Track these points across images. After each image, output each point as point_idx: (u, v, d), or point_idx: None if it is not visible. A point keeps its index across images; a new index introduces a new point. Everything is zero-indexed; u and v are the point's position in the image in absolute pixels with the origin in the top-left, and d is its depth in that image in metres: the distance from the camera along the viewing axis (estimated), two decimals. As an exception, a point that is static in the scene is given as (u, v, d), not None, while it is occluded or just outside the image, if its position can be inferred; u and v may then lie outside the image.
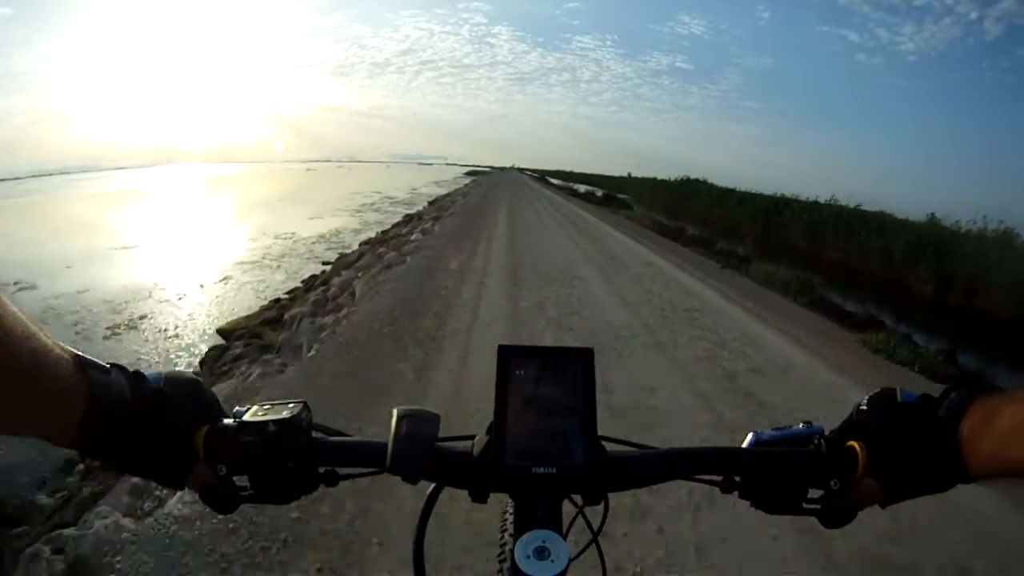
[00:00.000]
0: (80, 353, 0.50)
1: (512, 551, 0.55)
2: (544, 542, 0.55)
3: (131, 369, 0.55)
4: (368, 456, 0.60)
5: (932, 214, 16.37)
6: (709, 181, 35.20)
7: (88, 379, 0.49)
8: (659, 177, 54.70)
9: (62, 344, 0.49)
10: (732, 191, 30.40)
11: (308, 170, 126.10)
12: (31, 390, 0.45)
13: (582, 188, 47.15)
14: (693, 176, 36.82)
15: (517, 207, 21.81)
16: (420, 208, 23.89)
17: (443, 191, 36.36)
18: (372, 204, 29.63)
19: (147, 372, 0.56)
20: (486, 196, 28.74)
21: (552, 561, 0.53)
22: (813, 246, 18.26)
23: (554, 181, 74.56)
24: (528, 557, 0.54)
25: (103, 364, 0.52)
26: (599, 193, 40.43)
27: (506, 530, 0.67)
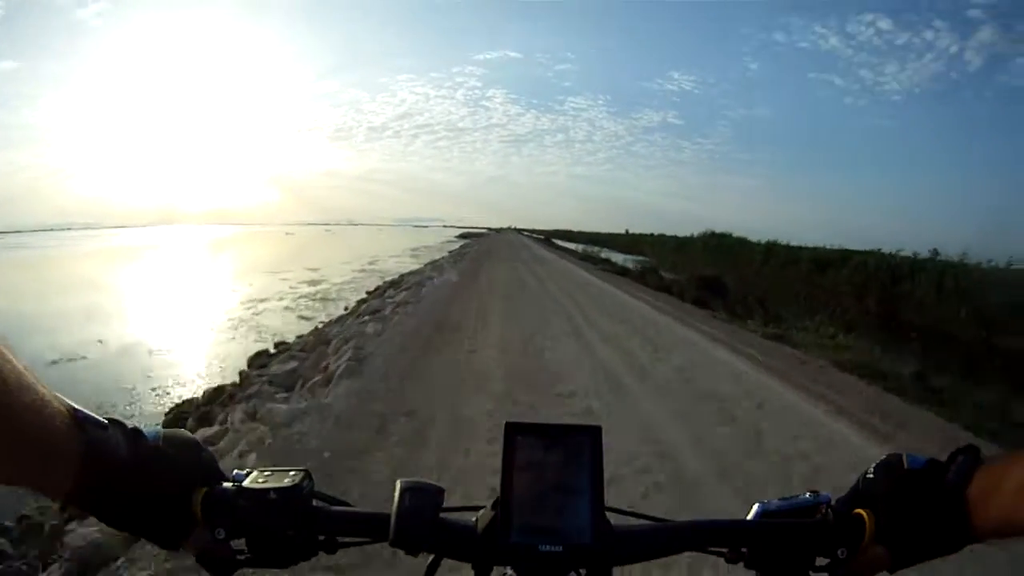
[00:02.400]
0: (78, 407, 0.50)
1: None
2: None
3: (130, 425, 0.54)
4: (371, 527, 0.60)
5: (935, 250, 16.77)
6: (733, 235, 32.35)
7: (85, 433, 0.49)
8: (657, 232, 54.44)
9: (60, 396, 0.48)
10: (797, 248, 24.89)
11: (287, 234, 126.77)
12: (26, 442, 0.45)
13: (599, 252, 38.80)
14: (718, 231, 33.86)
15: (518, 297, 13.12)
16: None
17: (414, 265, 27.04)
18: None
19: (145, 429, 0.55)
20: (469, 275, 19.34)
21: None
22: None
23: (566, 245, 58.91)
24: None
25: (100, 419, 0.51)
26: (618, 260, 31.88)
27: None
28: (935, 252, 17.10)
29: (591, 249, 39.69)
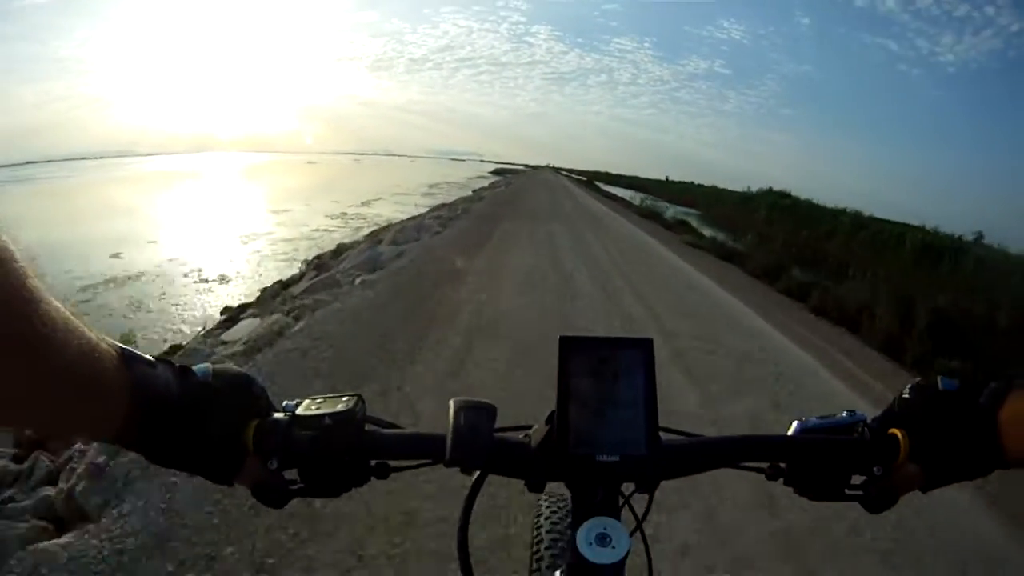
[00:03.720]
0: (125, 347, 0.50)
1: (573, 539, 0.56)
2: (605, 529, 0.56)
3: (177, 364, 0.55)
4: (426, 448, 0.60)
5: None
6: (796, 196, 30.22)
7: (133, 373, 0.49)
8: (697, 182, 53.29)
9: (106, 338, 0.48)
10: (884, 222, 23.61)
11: (309, 163, 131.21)
12: (75, 386, 0.44)
13: (655, 205, 29.79)
14: (777, 188, 32.25)
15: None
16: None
17: (402, 213, 20.54)
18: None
19: (195, 367, 0.56)
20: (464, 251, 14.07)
21: (613, 547, 0.54)
22: None
23: (614, 191, 45.18)
24: (591, 544, 0.55)
25: (148, 358, 0.51)
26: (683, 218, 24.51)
27: (541, 527, 0.72)
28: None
29: (646, 201, 31.28)
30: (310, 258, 11.44)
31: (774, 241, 16.16)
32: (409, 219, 15.63)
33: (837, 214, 25.13)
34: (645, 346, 0.62)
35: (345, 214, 22.92)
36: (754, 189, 34.75)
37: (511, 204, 20.65)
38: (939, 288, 9.63)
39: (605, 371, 0.61)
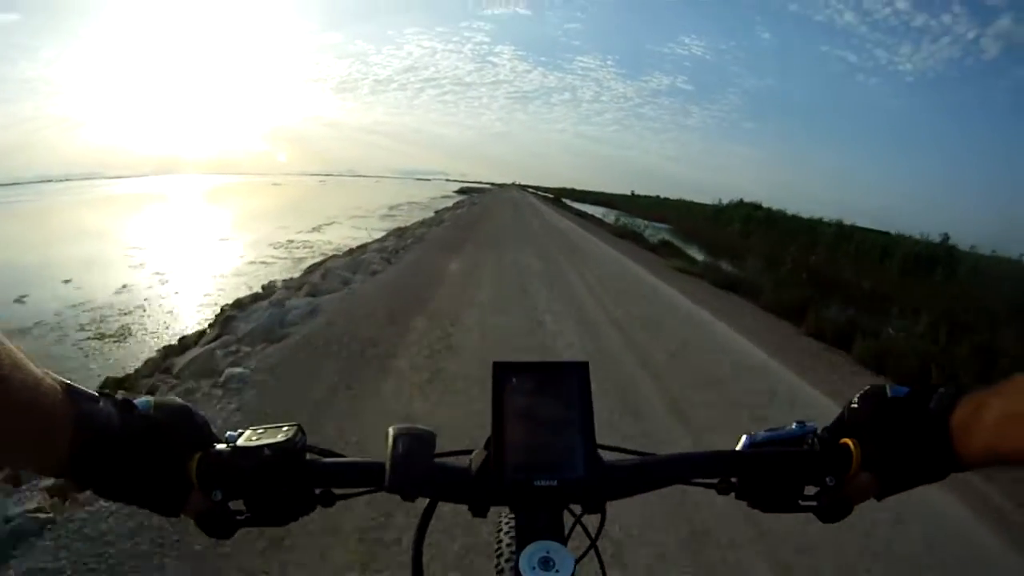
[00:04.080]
0: (69, 382, 0.50)
1: (516, 563, 0.56)
2: (548, 552, 0.55)
3: (120, 397, 0.55)
4: (366, 476, 0.60)
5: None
6: (765, 207, 29.24)
7: (77, 408, 0.49)
8: (663, 195, 52.26)
9: (51, 373, 0.49)
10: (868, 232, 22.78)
11: (274, 184, 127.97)
12: (20, 421, 0.45)
13: (626, 222, 28.08)
14: (748, 200, 31.17)
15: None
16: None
17: (355, 240, 17.95)
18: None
19: (136, 400, 0.56)
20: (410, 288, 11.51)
21: (557, 571, 0.54)
22: None
23: (582, 208, 46.17)
24: (533, 568, 0.54)
25: (92, 392, 0.52)
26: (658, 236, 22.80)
27: (502, 541, 0.69)
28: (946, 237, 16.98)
29: (621, 219, 29.40)
30: (222, 308, 9.18)
31: (781, 265, 14.41)
32: (354, 248, 13.46)
33: (815, 224, 24.25)
34: (581, 369, 0.62)
35: (291, 241, 20.54)
36: (724, 201, 33.85)
37: (473, 227, 18.54)
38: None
39: (541, 395, 0.61)
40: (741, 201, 32.07)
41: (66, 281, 13.06)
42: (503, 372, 0.62)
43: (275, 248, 18.90)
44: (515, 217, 24.88)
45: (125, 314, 10.15)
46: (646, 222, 29.33)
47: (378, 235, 18.38)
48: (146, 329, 9.43)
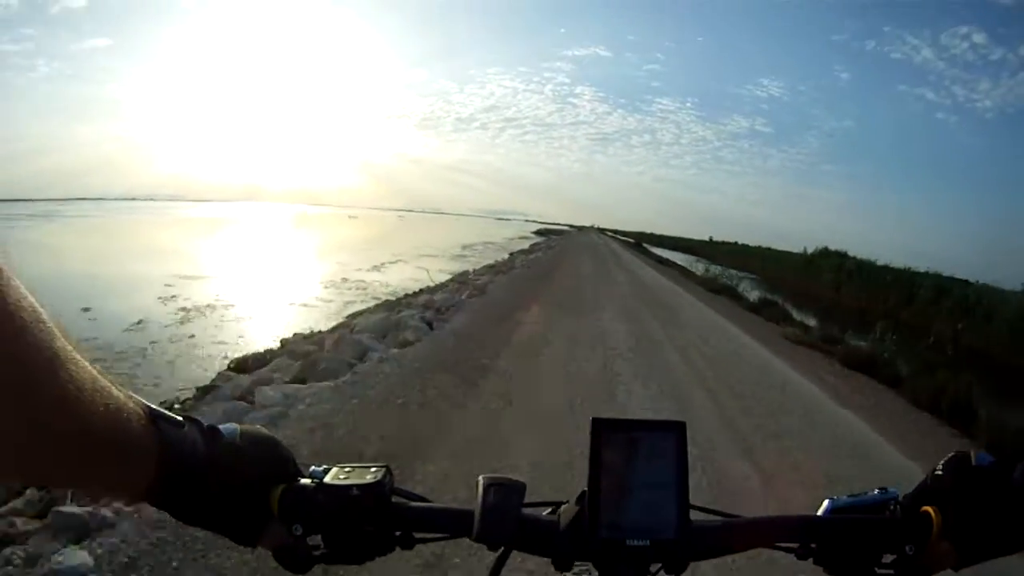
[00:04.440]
0: (153, 406, 0.50)
1: None
2: None
3: (206, 424, 0.54)
4: (454, 523, 0.60)
5: None
6: (849, 254, 28.20)
7: (161, 433, 0.49)
8: (741, 242, 51.46)
9: (134, 396, 0.48)
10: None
11: (350, 217, 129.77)
12: (102, 446, 0.44)
13: (720, 274, 24.13)
14: (832, 248, 29.65)
15: None
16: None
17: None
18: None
19: (222, 427, 0.55)
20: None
21: None
22: None
23: (664, 254, 43.15)
24: None
25: (177, 417, 0.51)
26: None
27: None
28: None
29: (709, 269, 26.66)
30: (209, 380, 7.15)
31: (919, 337, 11.64)
32: (400, 299, 11.41)
33: (909, 275, 22.90)
34: (678, 429, 0.62)
35: (346, 280, 18.84)
36: (805, 249, 32.14)
37: (547, 277, 16.15)
38: None
39: (637, 453, 0.61)
40: (826, 249, 30.48)
41: (85, 309, 11.56)
42: (601, 428, 0.60)
43: (326, 287, 17.19)
44: (595, 265, 22.34)
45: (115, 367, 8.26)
46: (732, 270, 27.41)
47: (442, 278, 16.55)
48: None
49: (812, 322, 14.52)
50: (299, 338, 7.91)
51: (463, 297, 10.41)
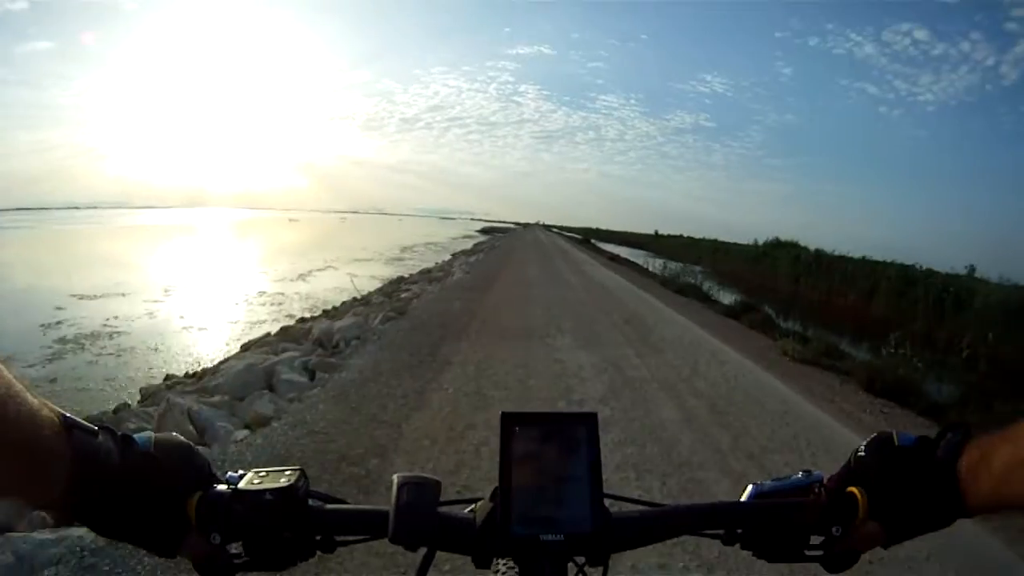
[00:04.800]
0: (67, 414, 0.49)
1: None
2: None
3: (120, 432, 0.53)
4: (369, 525, 0.59)
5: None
6: (800, 244, 27.66)
7: (74, 441, 0.48)
8: (688, 235, 51.73)
9: (49, 404, 0.47)
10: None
11: (291, 220, 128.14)
12: (14, 453, 0.44)
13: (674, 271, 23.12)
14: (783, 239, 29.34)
15: None
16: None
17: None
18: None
19: (136, 435, 0.54)
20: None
21: None
22: None
23: (614, 250, 41.65)
24: None
25: (90, 426, 0.50)
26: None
27: None
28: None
29: (668, 266, 24.78)
30: None
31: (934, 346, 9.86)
32: (307, 320, 9.03)
33: (870, 265, 21.37)
34: (590, 421, 0.61)
35: (263, 293, 16.35)
36: (756, 240, 31.84)
37: (487, 287, 13.75)
38: None
39: (549, 447, 0.60)
40: (778, 240, 29.84)
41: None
42: (511, 422, 0.60)
43: (238, 304, 14.73)
44: (543, 266, 20.08)
45: None
46: (680, 264, 26.98)
47: (373, 285, 14.88)
48: None
49: (787, 323, 12.76)
50: (130, 408, 5.47)
51: (375, 322, 8.00)
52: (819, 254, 24.59)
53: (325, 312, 10.97)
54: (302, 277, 20.52)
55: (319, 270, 23.63)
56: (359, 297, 12.80)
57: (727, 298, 15.94)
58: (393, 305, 9.56)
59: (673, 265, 25.67)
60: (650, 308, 11.48)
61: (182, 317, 12.75)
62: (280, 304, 14.75)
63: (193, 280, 19.54)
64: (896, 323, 12.53)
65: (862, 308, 17.59)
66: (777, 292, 21.61)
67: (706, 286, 18.51)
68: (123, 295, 15.20)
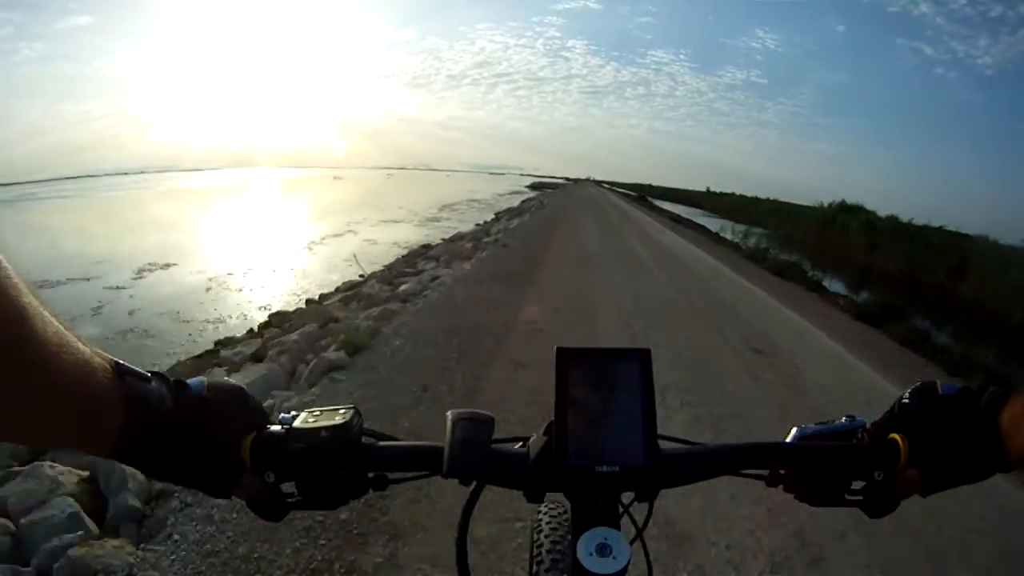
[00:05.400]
0: (120, 361, 0.49)
1: (573, 549, 0.56)
2: (606, 539, 0.55)
3: (172, 378, 0.54)
4: (423, 461, 0.59)
5: None
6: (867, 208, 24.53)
7: (127, 387, 0.48)
8: (739, 192, 49.28)
9: (100, 351, 0.47)
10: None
11: (335, 178, 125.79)
12: (68, 401, 0.43)
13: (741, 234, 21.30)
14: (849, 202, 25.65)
15: None
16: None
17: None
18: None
19: (189, 380, 0.54)
20: None
21: (614, 558, 0.54)
22: None
23: (679, 212, 35.58)
24: (591, 554, 0.54)
25: (143, 372, 0.50)
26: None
27: (542, 532, 0.71)
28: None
29: (749, 236, 21.12)
30: None
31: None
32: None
33: (954, 237, 18.17)
34: (643, 356, 0.60)
35: (250, 270, 13.75)
36: (822, 203, 27.55)
37: (540, 248, 10.79)
38: None
39: (603, 382, 0.60)
40: (844, 203, 26.15)
41: None
42: (566, 358, 0.60)
43: (223, 286, 11.99)
44: (604, 233, 16.43)
45: None
46: (741, 225, 25.23)
47: (389, 259, 12.53)
48: None
49: (938, 331, 9.28)
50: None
51: (372, 311, 4.76)
52: (896, 223, 21.29)
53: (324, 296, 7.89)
54: (310, 247, 17.60)
55: (349, 231, 20.83)
56: (365, 275, 9.94)
57: (831, 283, 12.48)
58: (402, 297, 6.41)
59: (737, 228, 23.82)
60: (753, 301, 8.29)
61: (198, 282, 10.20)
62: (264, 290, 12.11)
63: (204, 247, 17.33)
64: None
65: (950, 289, 14.50)
66: (849, 261, 18.65)
67: (782, 256, 15.39)
68: (128, 281, 12.82)
